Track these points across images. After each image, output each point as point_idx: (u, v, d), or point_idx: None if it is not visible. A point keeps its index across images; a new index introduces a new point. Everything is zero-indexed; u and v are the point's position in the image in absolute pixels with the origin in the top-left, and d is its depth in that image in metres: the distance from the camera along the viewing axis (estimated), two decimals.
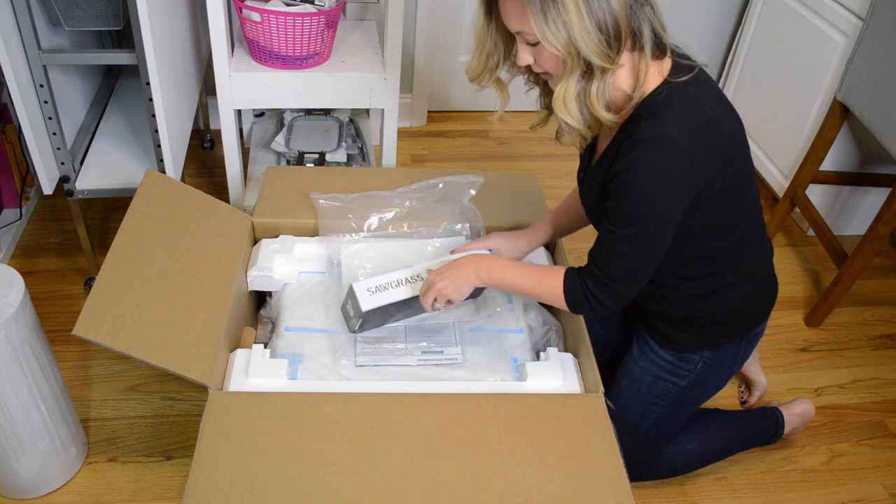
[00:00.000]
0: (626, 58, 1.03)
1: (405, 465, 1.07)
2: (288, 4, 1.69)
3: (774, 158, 2.33)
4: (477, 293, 1.35)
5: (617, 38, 0.98)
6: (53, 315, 1.79)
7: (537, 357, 1.32)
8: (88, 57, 1.68)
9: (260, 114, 2.31)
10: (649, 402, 1.36)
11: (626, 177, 1.03)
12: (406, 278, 1.29)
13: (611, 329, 1.52)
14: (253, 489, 1.02)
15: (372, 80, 1.76)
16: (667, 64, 1.07)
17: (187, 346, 1.17)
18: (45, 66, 1.49)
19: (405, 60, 2.52)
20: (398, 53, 1.73)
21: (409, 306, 1.29)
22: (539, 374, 1.23)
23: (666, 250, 1.10)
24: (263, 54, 1.71)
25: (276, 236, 1.49)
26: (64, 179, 1.65)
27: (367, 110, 2.30)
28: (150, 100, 1.53)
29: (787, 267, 2.18)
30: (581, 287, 1.14)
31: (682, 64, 1.07)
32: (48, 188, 1.64)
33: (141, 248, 1.26)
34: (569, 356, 1.29)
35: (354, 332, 1.31)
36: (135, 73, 1.68)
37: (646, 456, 1.44)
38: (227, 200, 1.82)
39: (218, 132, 1.99)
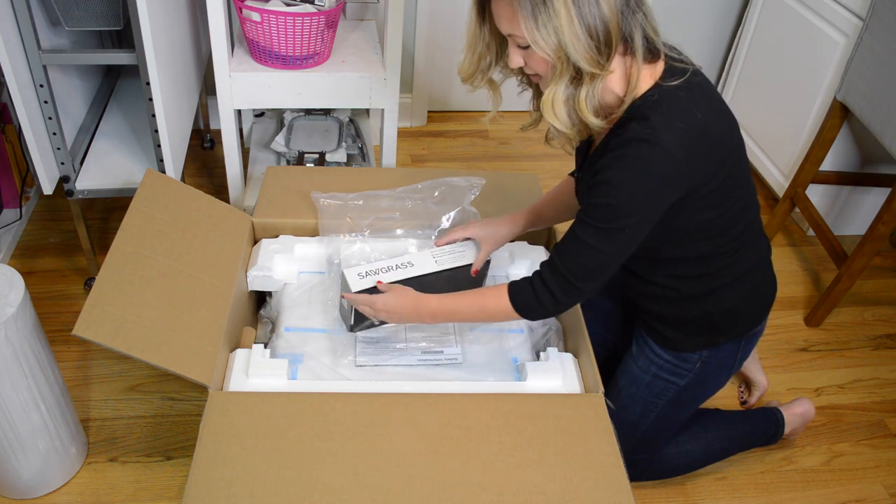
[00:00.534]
0: (617, 62, 1.03)
1: (405, 465, 1.07)
2: (288, 4, 1.69)
3: (774, 158, 2.33)
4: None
5: (607, 44, 0.98)
6: (53, 315, 1.79)
7: (537, 357, 1.32)
8: (88, 57, 1.68)
9: (260, 114, 2.31)
10: (648, 401, 1.36)
11: (611, 173, 1.03)
12: (396, 264, 1.29)
13: (610, 329, 1.52)
14: (253, 489, 1.02)
15: (372, 80, 1.76)
16: (659, 67, 1.07)
17: (187, 346, 1.17)
18: (45, 66, 1.49)
19: (405, 60, 2.52)
20: (398, 53, 1.73)
21: None
22: (539, 374, 1.23)
23: (633, 252, 1.09)
24: (263, 54, 1.71)
25: (276, 236, 1.49)
26: (64, 179, 1.65)
27: (367, 110, 2.30)
28: (150, 100, 1.53)
29: (787, 267, 2.18)
30: (532, 286, 1.12)
31: (675, 67, 1.07)
32: (48, 188, 1.64)
33: (141, 248, 1.26)
34: (569, 356, 1.29)
35: (351, 328, 1.31)
36: (135, 73, 1.68)
37: (646, 456, 1.44)
38: (227, 200, 1.82)
39: (218, 132, 1.99)
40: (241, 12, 1.67)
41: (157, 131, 1.59)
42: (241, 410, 1.12)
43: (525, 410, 1.15)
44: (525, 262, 1.46)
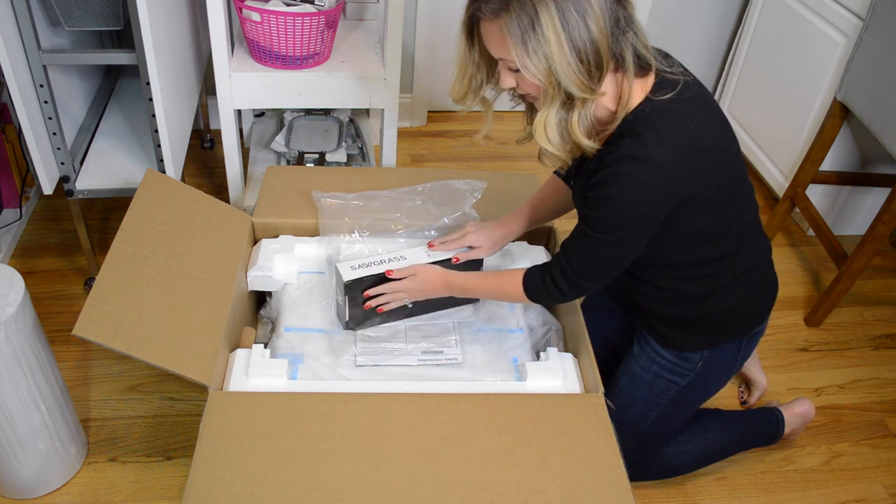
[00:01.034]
0: (608, 80, 1.03)
1: (405, 465, 1.07)
2: (288, 4, 1.69)
3: (774, 158, 2.33)
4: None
5: (598, 66, 0.98)
6: (53, 315, 1.79)
7: (537, 357, 1.32)
8: (88, 57, 1.68)
9: (260, 114, 2.31)
10: (649, 401, 1.36)
11: (606, 190, 1.04)
12: (389, 258, 1.31)
13: (611, 329, 1.52)
14: (253, 489, 1.02)
15: (372, 80, 1.76)
16: (650, 80, 1.07)
17: (187, 346, 1.17)
18: (45, 66, 1.49)
19: (405, 60, 2.52)
20: (398, 53, 1.73)
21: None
22: (539, 374, 1.23)
23: (637, 255, 1.13)
24: (263, 54, 1.71)
25: (276, 236, 1.49)
26: (64, 179, 1.65)
27: (367, 110, 2.30)
28: (150, 100, 1.53)
29: (787, 267, 2.18)
30: (542, 277, 1.18)
31: (666, 79, 1.07)
32: (48, 188, 1.64)
33: (141, 248, 1.26)
34: (569, 356, 1.29)
35: (347, 324, 1.31)
36: (135, 73, 1.68)
37: (646, 456, 1.44)
38: (227, 200, 1.82)
39: (218, 132, 1.99)
40: (241, 12, 1.67)
41: (157, 131, 1.59)
42: (241, 410, 1.12)
43: (525, 410, 1.16)
44: (525, 262, 1.46)
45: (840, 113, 1.93)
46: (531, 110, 1.17)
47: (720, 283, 1.22)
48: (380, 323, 1.34)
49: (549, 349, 1.29)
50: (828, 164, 2.11)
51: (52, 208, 2.11)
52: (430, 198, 1.52)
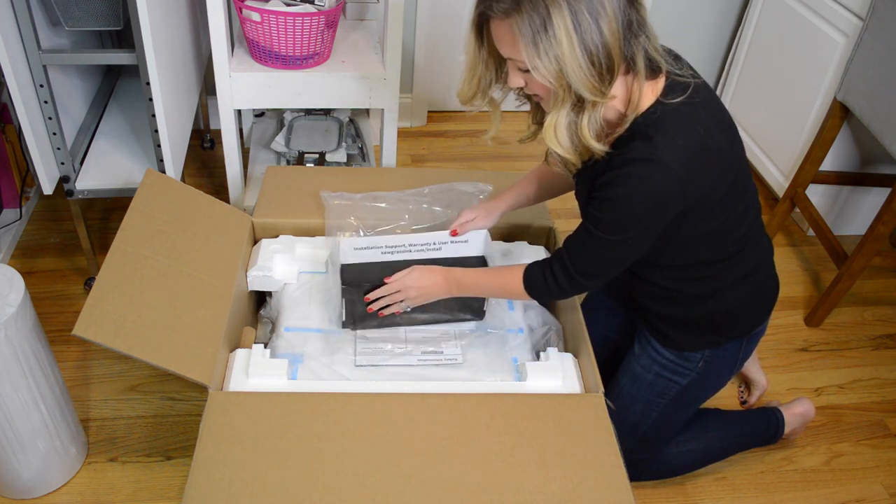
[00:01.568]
0: (619, 83, 1.03)
1: (405, 465, 1.07)
2: (288, 4, 1.69)
3: (774, 158, 2.33)
4: (482, 314, 1.37)
5: (609, 70, 0.98)
6: (53, 315, 1.79)
7: (537, 357, 1.32)
8: (88, 57, 1.68)
9: (260, 114, 2.31)
10: (650, 400, 1.36)
11: (614, 191, 1.04)
12: (395, 245, 1.31)
13: (612, 328, 1.52)
14: (253, 489, 1.02)
15: (372, 80, 1.76)
16: (661, 82, 1.07)
17: (187, 346, 1.17)
18: (45, 66, 1.49)
19: (405, 60, 2.52)
20: (398, 53, 1.73)
21: (392, 270, 1.30)
22: (539, 374, 1.23)
23: (640, 255, 1.13)
24: (263, 54, 1.71)
25: (276, 236, 1.49)
26: (64, 179, 1.65)
27: (367, 110, 2.30)
28: (150, 100, 1.53)
29: (787, 267, 2.18)
30: (543, 272, 1.17)
31: (677, 82, 1.07)
32: (48, 188, 1.64)
33: (141, 248, 1.26)
34: (569, 356, 1.29)
35: (343, 322, 1.31)
36: (135, 73, 1.68)
37: (646, 456, 1.44)
38: (227, 200, 1.82)
39: (218, 132, 1.99)
40: (241, 12, 1.67)
41: (157, 131, 1.59)
42: (241, 410, 1.12)
43: (525, 410, 1.16)
44: (525, 262, 1.45)
45: (840, 113, 1.93)
46: (536, 109, 1.17)
47: (722, 283, 1.22)
48: (377, 326, 1.34)
49: (549, 349, 1.29)
50: (828, 164, 2.11)
51: (52, 208, 2.11)
52: (436, 200, 1.52)
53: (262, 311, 1.46)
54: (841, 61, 1.99)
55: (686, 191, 1.04)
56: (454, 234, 1.33)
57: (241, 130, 2.25)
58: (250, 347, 1.26)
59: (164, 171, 1.65)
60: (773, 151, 2.34)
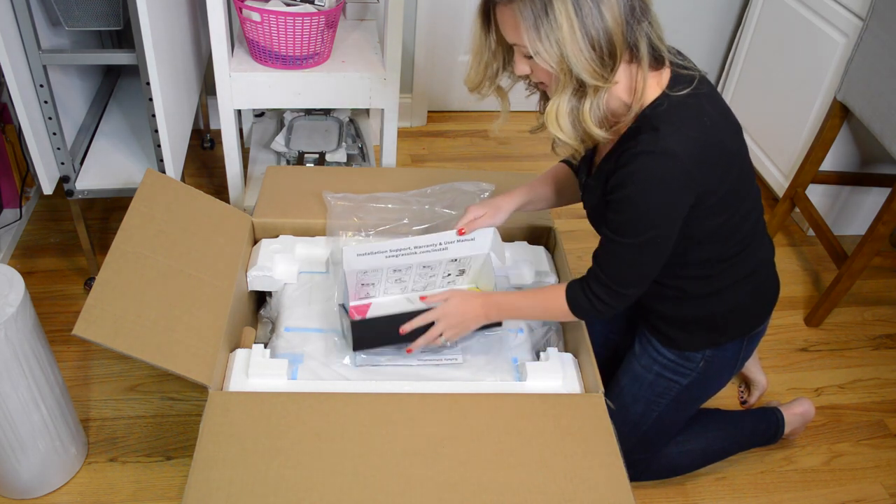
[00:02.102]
0: (623, 70, 1.02)
1: (405, 465, 1.07)
2: (288, 4, 1.69)
3: (774, 158, 2.33)
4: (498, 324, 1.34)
5: (611, 55, 0.97)
6: (53, 315, 1.79)
7: (537, 357, 1.32)
8: (88, 57, 1.68)
9: (260, 114, 2.31)
10: (650, 400, 1.36)
11: (628, 190, 1.04)
12: (399, 249, 1.26)
13: (613, 328, 1.52)
14: (253, 489, 1.02)
15: (372, 80, 1.76)
16: (665, 74, 1.07)
17: (187, 346, 1.17)
18: (45, 66, 1.49)
19: (405, 60, 2.52)
20: (398, 53, 1.73)
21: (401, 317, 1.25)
22: (539, 374, 1.23)
23: (669, 253, 1.11)
24: (263, 54, 1.71)
25: (276, 236, 1.49)
26: (64, 179, 1.65)
27: (367, 110, 2.30)
28: (150, 100, 1.53)
29: (787, 267, 2.18)
30: (584, 292, 1.16)
31: (681, 74, 1.07)
32: (48, 188, 1.64)
33: (141, 248, 1.26)
34: (569, 356, 1.29)
35: (342, 333, 1.30)
36: (135, 73, 1.68)
37: (646, 456, 1.44)
38: (227, 200, 1.82)
39: (218, 132, 1.99)
40: (241, 12, 1.67)
41: (157, 131, 1.59)
42: (241, 410, 1.12)
43: (525, 410, 1.15)
44: (525, 262, 1.46)
45: (840, 113, 1.93)
46: (545, 100, 1.17)
47: (724, 283, 1.22)
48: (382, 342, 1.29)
49: (549, 349, 1.29)
50: (828, 164, 2.11)
51: (52, 208, 2.11)
52: (438, 200, 1.52)
53: (262, 311, 1.46)
54: (841, 61, 1.99)
55: (694, 178, 1.03)
56: (461, 233, 1.30)
57: (241, 130, 2.25)
58: (250, 347, 1.26)
59: (164, 171, 1.65)
60: (773, 151, 2.34)
